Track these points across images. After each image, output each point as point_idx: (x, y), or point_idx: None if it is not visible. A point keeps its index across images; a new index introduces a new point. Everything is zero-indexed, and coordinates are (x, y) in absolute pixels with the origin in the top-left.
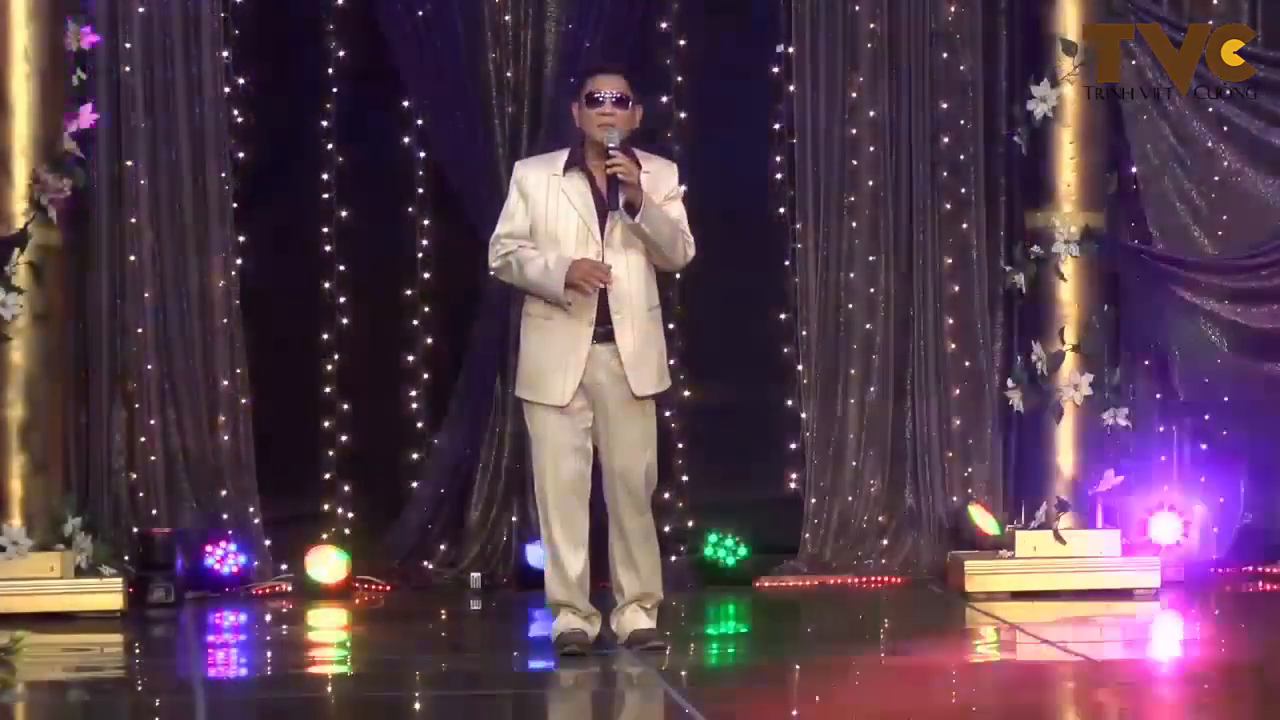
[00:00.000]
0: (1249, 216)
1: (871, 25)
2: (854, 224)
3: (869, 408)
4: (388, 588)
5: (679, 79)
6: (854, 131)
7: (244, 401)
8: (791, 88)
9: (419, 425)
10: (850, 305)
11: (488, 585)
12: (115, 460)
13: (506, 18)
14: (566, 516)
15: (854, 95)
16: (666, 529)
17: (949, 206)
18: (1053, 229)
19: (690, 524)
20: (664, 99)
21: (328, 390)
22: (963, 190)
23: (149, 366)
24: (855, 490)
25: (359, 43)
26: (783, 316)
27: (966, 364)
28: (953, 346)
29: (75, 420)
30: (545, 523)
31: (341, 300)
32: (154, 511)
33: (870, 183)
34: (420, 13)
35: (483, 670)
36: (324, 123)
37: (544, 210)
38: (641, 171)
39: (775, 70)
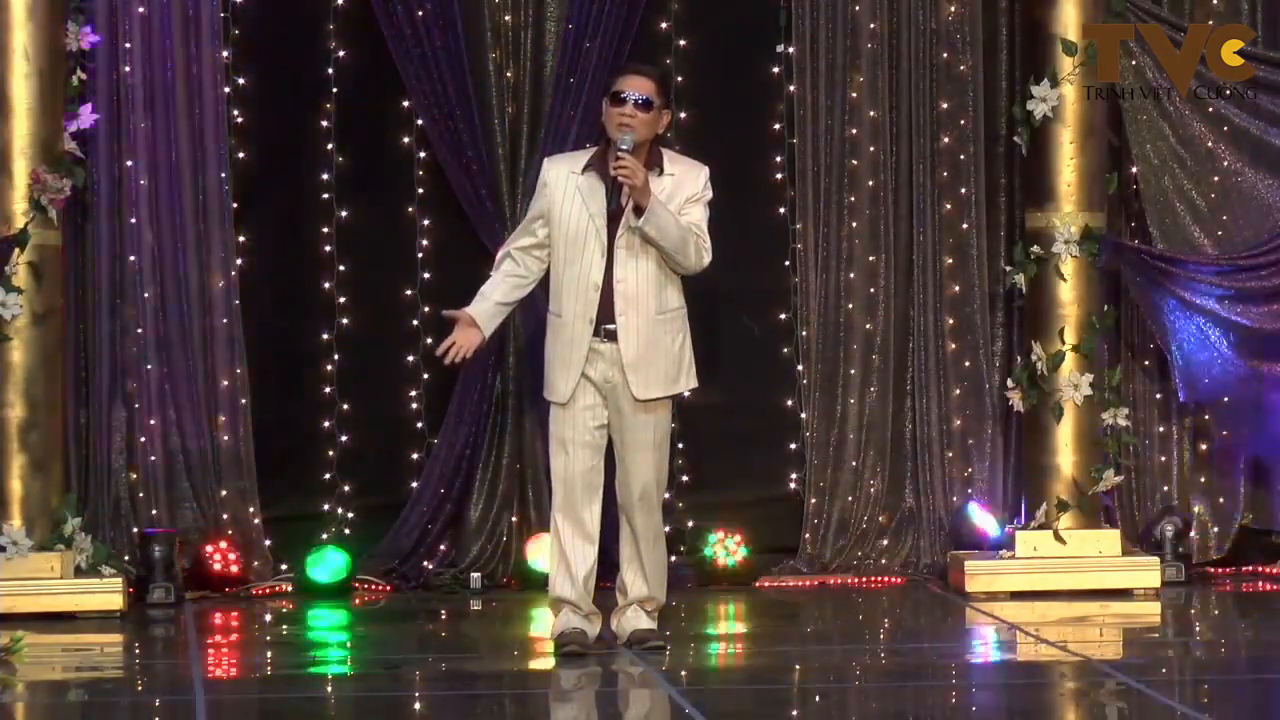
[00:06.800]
0: (1249, 216)
1: (871, 25)
2: (854, 224)
3: (869, 408)
4: (388, 588)
5: (679, 79)
6: (854, 131)
7: (244, 401)
8: (791, 88)
9: (419, 425)
10: (850, 305)
11: (488, 585)
12: (115, 460)
13: (506, 18)
14: (574, 511)
15: (854, 95)
16: (667, 529)
17: (949, 206)
18: (1053, 229)
19: (690, 524)
20: None
21: (328, 390)
22: (963, 190)
23: (149, 366)
24: (855, 490)
25: (359, 43)
26: (783, 316)
27: (966, 364)
28: (953, 346)
29: (75, 420)
30: (553, 516)
31: (341, 300)
32: (154, 511)
33: (870, 183)
34: (420, 13)
35: (483, 670)
36: (324, 123)
37: (559, 209)
38: (665, 174)
39: (775, 70)
